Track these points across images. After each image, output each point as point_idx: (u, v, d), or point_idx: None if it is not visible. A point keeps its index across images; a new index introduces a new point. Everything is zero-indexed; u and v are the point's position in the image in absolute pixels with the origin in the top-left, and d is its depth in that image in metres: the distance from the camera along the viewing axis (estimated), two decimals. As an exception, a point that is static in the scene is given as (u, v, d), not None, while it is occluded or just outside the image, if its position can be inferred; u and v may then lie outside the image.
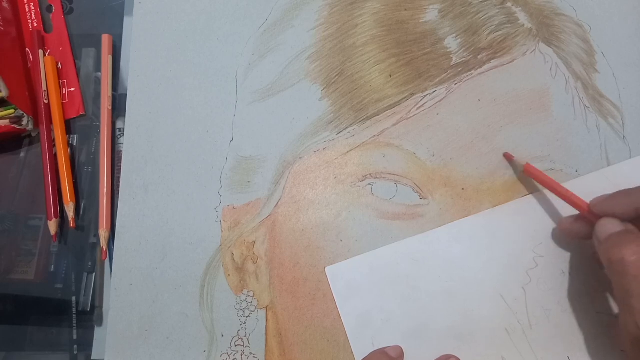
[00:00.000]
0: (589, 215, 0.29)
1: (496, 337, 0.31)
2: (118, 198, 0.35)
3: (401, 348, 0.31)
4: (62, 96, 0.37)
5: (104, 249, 0.34)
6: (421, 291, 0.32)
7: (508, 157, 0.34)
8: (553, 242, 0.32)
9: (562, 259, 0.32)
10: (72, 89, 0.38)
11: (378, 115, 0.35)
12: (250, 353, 0.32)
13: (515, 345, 0.31)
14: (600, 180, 0.33)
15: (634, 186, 0.28)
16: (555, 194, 0.31)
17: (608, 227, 0.27)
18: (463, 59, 0.35)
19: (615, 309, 0.31)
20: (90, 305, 0.34)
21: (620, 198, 0.28)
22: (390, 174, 0.34)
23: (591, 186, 0.30)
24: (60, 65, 0.38)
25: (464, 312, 0.31)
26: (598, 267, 0.32)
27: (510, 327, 0.31)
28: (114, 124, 0.37)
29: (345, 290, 0.32)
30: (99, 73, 0.38)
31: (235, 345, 0.32)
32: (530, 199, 0.33)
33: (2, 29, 0.36)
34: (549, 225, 0.33)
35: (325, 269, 0.32)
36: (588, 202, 0.29)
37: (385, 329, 0.31)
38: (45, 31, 0.39)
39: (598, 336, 0.31)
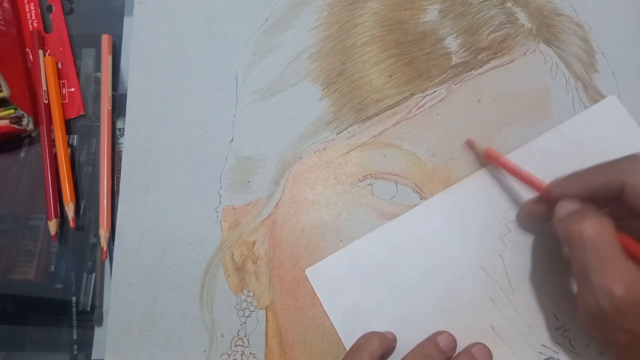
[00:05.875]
0: (549, 197, 0.29)
1: (482, 307, 0.31)
2: (118, 198, 0.35)
3: (393, 333, 0.31)
4: (62, 96, 0.37)
5: (104, 249, 0.34)
6: (403, 275, 0.32)
7: (470, 144, 0.34)
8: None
9: (532, 220, 0.32)
10: (72, 89, 0.38)
11: (378, 115, 0.35)
12: (250, 353, 0.32)
13: (501, 312, 0.31)
14: (556, 137, 0.33)
15: (586, 140, 0.30)
16: (517, 177, 0.31)
17: (566, 206, 0.27)
18: (463, 59, 0.35)
19: None
20: (90, 305, 0.34)
21: (573, 180, 0.28)
22: (390, 174, 0.34)
23: (548, 144, 0.32)
24: (60, 65, 0.38)
25: (447, 288, 0.32)
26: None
27: (494, 295, 0.31)
28: (114, 124, 0.37)
29: (329, 289, 0.32)
30: (99, 73, 0.38)
31: (235, 346, 0.32)
32: (494, 168, 0.33)
33: (3, 28, 0.36)
34: (516, 189, 0.33)
35: (305, 271, 0.32)
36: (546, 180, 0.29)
37: (374, 318, 0.31)
38: (45, 31, 0.39)
39: None
